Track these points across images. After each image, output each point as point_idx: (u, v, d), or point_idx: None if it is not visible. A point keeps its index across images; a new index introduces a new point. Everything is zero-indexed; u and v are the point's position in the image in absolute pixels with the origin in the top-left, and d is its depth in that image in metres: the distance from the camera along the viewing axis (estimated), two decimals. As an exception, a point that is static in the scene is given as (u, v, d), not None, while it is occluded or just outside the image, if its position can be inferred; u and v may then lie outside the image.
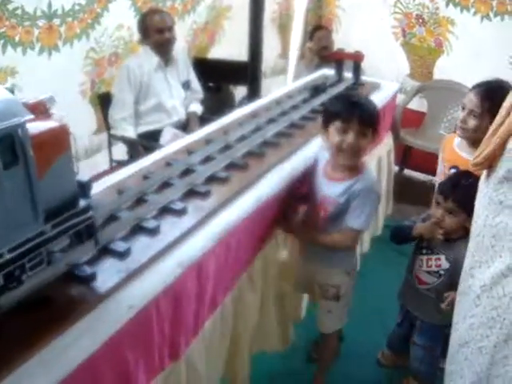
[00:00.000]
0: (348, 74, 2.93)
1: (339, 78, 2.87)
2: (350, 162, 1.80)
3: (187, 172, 1.71)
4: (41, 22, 3.04)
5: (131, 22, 3.54)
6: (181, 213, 1.48)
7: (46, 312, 1.07)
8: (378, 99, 2.66)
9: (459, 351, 1.41)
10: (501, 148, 1.20)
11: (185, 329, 1.41)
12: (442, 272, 1.95)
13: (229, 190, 1.65)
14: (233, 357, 1.76)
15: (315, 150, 2.01)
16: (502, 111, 1.22)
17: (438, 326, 2.02)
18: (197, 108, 3.36)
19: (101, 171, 3.00)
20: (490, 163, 1.26)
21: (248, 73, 3.42)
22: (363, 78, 2.95)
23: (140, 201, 1.52)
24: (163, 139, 2.99)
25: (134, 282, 1.21)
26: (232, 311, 1.68)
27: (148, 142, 3.00)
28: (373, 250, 2.75)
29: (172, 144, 2.07)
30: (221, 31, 4.48)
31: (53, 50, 3.15)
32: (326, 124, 1.82)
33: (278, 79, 4.82)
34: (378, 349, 2.42)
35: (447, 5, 3.88)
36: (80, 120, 3.41)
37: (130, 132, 3.04)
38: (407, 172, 3.94)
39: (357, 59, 2.90)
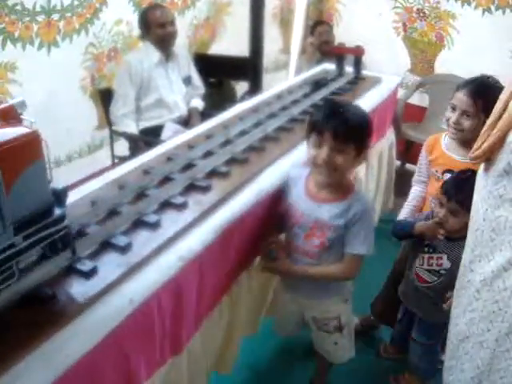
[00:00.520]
0: (349, 69, 2.92)
1: (340, 73, 2.87)
2: (328, 179, 1.63)
3: (188, 167, 1.71)
4: (40, 18, 3.05)
5: (130, 16, 3.53)
6: (181, 207, 1.48)
7: (48, 306, 1.08)
8: (379, 93, 2.66)
9: (459, 346, 1.41)
10: (501, 141, 1.19)
11: (186, 322, 1.41)
12: (442, 271, 1.91)
13: (229, 184, 1.65)
14: (225, 345, 1.76)
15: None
16: (499, 104, 1.20)
17: (437, 323, 2.01)
18: (198, 103, 3.36)
19: (103, 167, 3.00)
20: (489, 156, 1.26)
21: (249, 68, 3.42)
22: (364, 72, 2.94)
23: (141, 195, 1.52)
24: (164, 135, 2.99)
25: (135, 275, 1.22)
26: (230, 303, 1.69)
27: (149, 137, 3.00)
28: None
29: (173, 139, 2.07)
30: (222, 27, 4.48)
31: (52, 46, 3.15)
32: (308, 134, 1.65)
33: (279, 74, 4.81)
34: (377, 341, 2.44)
35: (448, -2, 3.88)
36: (82, 116, 3.42)
37: (132, 128, 3.04)
38: (409, 166, 3.93)
39: (358, 54, 2.90)
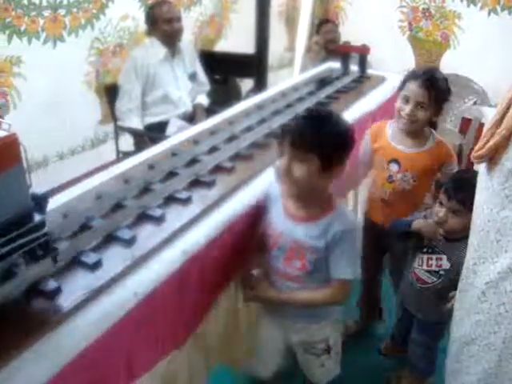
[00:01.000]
0: (354, 68, 2.92)
1: (345, 71, 2.87)
2: (297, 192, 1.49)
3: (193, 162, 1.71)
4: (46, 12, 3.06)
5: (136, 12, 3.56)
6: (186, 202, 1.48)
7: (54, 299, 1.08)
8: (384, 92, 2.66)
9: (464, 349, 1.39)
10: (506, 140, 1.18)
11: (189, 316, 1.42)
12: (442, 272, 1.89)
13: (234, 179, 1.65)
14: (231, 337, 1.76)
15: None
16: (503, 102, 1.19)
17: (436, 323, 2.00)
18: (203, 100, 3.36)
19: (106, 162, 3.01)
20: (493, 155, 1.24)
21: (254, 66, 3.43)
22: (369, 71, 2.94)
23: (146, 190, 1.52)
24: (169, 131, 3.00)
25: (140, 269, 1.22)
26: (234, 296, 1.69)
27: (154, 133, 3.01)
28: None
29: (178, 135, 2.07)
30: (227, 24, 4.48)
31: (58, 40, 3.17)
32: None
33: (284, 72, 4.82)
34: (378, 339, 2.44)
35: (454, -2, 3.88)
36: (85, 110, 3.43)
37: (137, 123, 3.05)
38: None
39: (363, 52, 2.89)
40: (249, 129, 2.01)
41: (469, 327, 1.36)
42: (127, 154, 3.02)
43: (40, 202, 1.00)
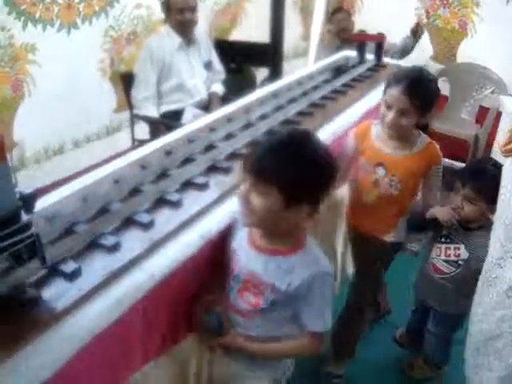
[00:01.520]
0: (370, 56, 2.90)
1: (361, 60, 2.85)
2: (257, 223, 1.27)
3: (209, 148, 1.72)
4: (61, 0, 3.07)
5: (150, 1, 3.55)
6: (203, 187, 1.49)
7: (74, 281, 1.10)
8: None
9: (487, 344, 1.38)
10: None
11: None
12: (460, 262, 1.88)
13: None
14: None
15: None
16: None
17: (453, 314, 2.00)
18: (218, 88, 3.36)
19: (121, 150, 3.03)
20: None
21: (270, 54, 3.42)
22: (385, 59, 2.92)
23: (163, 175, 1.53)
24: (185, 119, 3.00)
25: (157, 251, 1.23)
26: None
27: (170, 121, 3.02)
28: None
29: (194, 122, 2.08)
30: (242, 13, 4.47)
31: (72, 28, 3.18)
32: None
33: (299, 61, 4.80)
34: (394, 329, 2.44)
35: (473, -15, 3.83)
36: (100, 98, 3.45)
37: (153, 111, 3.06)
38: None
39: (379, 41, 2.88)
40: (264, 116, 2.01)
41: (493, 323, 1.34)
42: (142, 142, 3.04)
43: (27, 201, 0.96)
